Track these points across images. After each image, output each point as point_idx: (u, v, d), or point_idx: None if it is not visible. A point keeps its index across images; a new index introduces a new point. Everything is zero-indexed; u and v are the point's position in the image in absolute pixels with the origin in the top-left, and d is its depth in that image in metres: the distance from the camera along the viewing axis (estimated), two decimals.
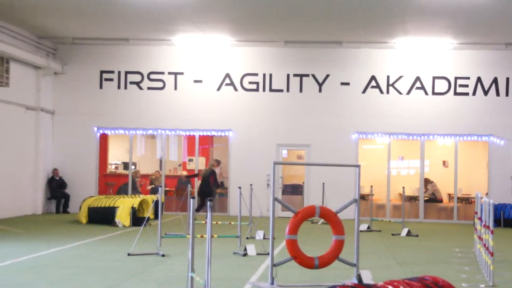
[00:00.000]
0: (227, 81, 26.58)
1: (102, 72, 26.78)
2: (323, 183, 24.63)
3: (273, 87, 26.48)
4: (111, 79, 26.76)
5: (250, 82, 26.55)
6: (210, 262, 8.27)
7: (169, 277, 11.20)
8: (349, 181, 24.30)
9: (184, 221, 18.53)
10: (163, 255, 13.69)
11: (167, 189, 27.20)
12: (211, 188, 22.93)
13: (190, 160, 28.69)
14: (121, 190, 26.39)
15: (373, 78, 26.15)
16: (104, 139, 27.60)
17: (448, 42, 25.18)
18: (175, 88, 26.67)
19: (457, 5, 20.08)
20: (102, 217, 21.02)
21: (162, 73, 26.72)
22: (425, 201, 26.37)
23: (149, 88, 26.72)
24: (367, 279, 10.75)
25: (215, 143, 29.80)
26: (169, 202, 26.20)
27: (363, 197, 25.48)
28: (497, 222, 23.20)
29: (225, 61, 26.65)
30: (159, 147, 27.98)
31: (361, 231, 19.78)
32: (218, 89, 26.59)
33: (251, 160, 25.96)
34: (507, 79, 25.64)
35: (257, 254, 14.09)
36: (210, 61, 26.69)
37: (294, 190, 27.25)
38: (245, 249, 14.24)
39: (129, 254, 13.77)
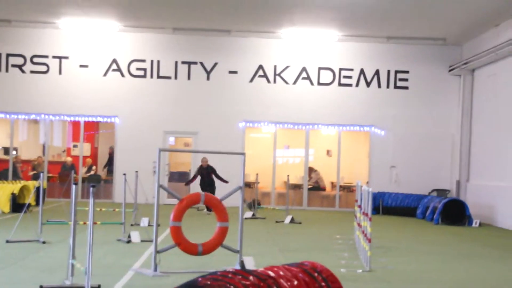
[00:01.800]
0: (114, 66, 26.19)
1: None
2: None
3: (161, 74, 26.31)
4: None
5: (137, 69, 26.27)
6: (91, 249, 8.16)
7: (49, 265, 10.96)
8: (235, 169, 24.50)
9: (67, 208, 18.16)
10: (43, 242, 13.38)
11: (50, 175, 26.55)
12: (213, 184, 22.35)
13: (75, 146, 28.13)
14: (1, 176, 25.52)
15: (260, 67, 26.44)
16: None
17: (333, 34, 25.76)
18: (60, 73, 26.03)
19: None
20: None
21: (46, 56, 26.01)
22: (309, 189, 26.97)
23: (32, 72, 25.94)
24: (249, 265, 10.90)
25: (101, 129, 29.34)
26: (52, 189, 25.58)
27: (248, 184, 25.76)
28: (376, 210, 24.05)
29: (112, 47, 26.24)
30: (43, 133, 27.22)
31: (246, 218, 20.13)
32: (105, 74, 26.16)
33: (138, 147, 25.72)
34: (388, 71, 26.55)
35: (141, 241, 14.00)
36: (96, 46, 26.20)
37: (181, 177, 27.22)
38: (129, 236, 14.13)
39: (7, 241, 13.36)
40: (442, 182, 26.24)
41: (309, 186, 27.08)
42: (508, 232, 20.39)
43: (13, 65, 25.87)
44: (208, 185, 22.13)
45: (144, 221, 16.72)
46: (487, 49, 23.22)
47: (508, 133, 22.09)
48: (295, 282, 5.28)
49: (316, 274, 5.55)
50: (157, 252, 10.50)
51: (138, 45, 26.37)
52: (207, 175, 22.26)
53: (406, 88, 26.60)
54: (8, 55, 25.86)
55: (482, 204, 23.43)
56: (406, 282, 10.69)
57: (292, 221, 20.16)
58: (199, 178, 22.32)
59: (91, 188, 8.24)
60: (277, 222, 20.22)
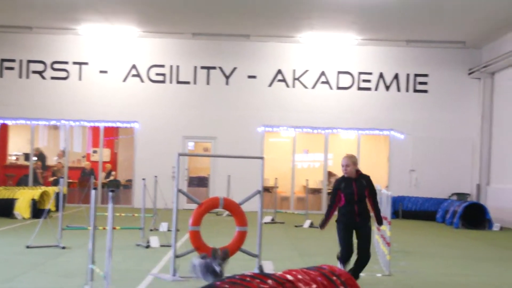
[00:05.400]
0: (134, 72, 26.32)
1: (2, 60, 26.04)
2: (229, 176, 24.75)
3: (180, 79, 26.40)
4: (12, 68, 26.05)
5: (157, 74, 26.37)
6: (111, 254, 8.19)
7: (69, 270, 11.00)
8: (254, 173, 24.35)
9: (86, 213, 18.22)
10: (63, 248, 13.44)
11: (70, 180, 26.70)
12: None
13: (95, 152, 28.26)
14: (22, 182, 25.71)
15: (279, 71, 26.45)
16: (4, 129, 26.84)
17: (352, 38, 25.72)
18: (80, 79, 26.22)
19: (361, 2, 20.57)
20: (0, 209, 20.38)
21: (66, 62, 26.20)
22: (328, 193, 26.88)
23: (52, 78, 26.15)
24: (268, 269, 10.88)
25: (121, 134, 29.45)
26: (72, 194, 25.71)
27: (267, 189, 25.76)
28: (395, 214, 23.93)
29: (132, 52, 26.38)
30: (63, 138, 27.39)
31: (265, 223, 20.11)
32: (124, 80, 26.30)
33: (157, 152, 25.80)
34: (408, 75, 26.45)
35: (161, 246, 14.02)
36: (116, 51, 26.35)
37: (200, 182, 27.27)
38: (148, 241, 14.16)
39: (27, 247, 13.44)
40: (462, 185, 26.05)
41: (329, 191, 27.00)
42: None
43: (33, 71, 26.09)
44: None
45: (163, 226, 16.75)
46: (506, 52, 23.05)
47: None
48: (314, 286, 5.26)
49: (334, 278, 5.52)
50: (176, 256, 10.51)
51: (157, 51, 26.48)
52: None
53: (426, 91, 26.48)
54: (28, 62, 26.09)
55: (503, 208, 23.24)
56: (427, 286, 10.61)
57: (311, 225, 20.12)
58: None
59: (110, 193, 8.26)
60: (296, 226, 20.18)
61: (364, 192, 10.21)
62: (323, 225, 10.44)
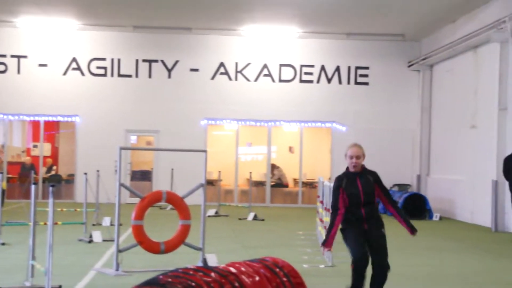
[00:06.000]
0: (74, 65, 25.96)
1: None
2: (172, 169, 24.66)
3: (121, 72, 26.15)
4: None
5: (97, 67, 26.06)
6: (52, 249, 8.09)
7: (9, 266, 10.82)
8: (197, 167, 24.28)
9: (27, 208, 17.91)
10: (3, 244, 13.21)
11: (10, 176, 26.19)
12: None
13: (35, 146, 27.81)
14: None
15: (221, 65, 26.42)
16: None
17: (294, 31, 25.87)
18: (19, 72, 25.73)
19: None
20: None
21: (4, 56, 25.68)
22: (272, 186, 27.04)
23: None
24: (212, 262, 10.90)
25: (62, 128, 29.04)
26: (11, 190, 25.20)
27: (211, 182, 25.74)
28: None
29: (72, 45, 26.00)
30: (1, 133, 26.84)
31: (209, 216, 20.11)
32: (64, 73, 25.91)
33: (99, 146, 25.51)
34: (349, 68, 26.73)
35: (103, 240, 13.90)
36: (55, 44, 25.94)
37: (143, 176, 27.10)
38: (91, 236, 14.03)
39: None
40: (403, 176, 26.50)
41: (272, 183, 27.15)
42: (467, 225, 20.70)
43: None
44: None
45: (106, 221, 16.61)
46: (444, 44, 23.51)
47: (465, 127, 22.38)
48: (257, 278, 5.30)
49: (277, 270, 5.58)
50: (119, 251, 10.44)
51: (98, 44, 26.16)
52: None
53: (367, 84, 26.80)
54: None
55: (442, 198, 23.74)
56: (368, 276, 10.77)
57: (255, 218, 20.20)
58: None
59: (50, 188, 8.15)
60: (240, 219, 20.23)
61: (373, 191, 8.19)
62: (327, 242, 8.14)
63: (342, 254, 12.66)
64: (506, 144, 18.58)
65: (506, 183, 16.88)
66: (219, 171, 23.26)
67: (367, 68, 26.79)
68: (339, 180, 8.28)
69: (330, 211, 8.38)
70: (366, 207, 8.06)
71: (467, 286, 10.44)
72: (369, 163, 26.77)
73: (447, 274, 11.24)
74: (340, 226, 8.16)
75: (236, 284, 4.99)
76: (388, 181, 25.64)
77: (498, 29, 19.05)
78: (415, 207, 21.96)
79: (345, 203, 8.08)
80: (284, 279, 5.48)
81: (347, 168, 8.40)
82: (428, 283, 10.51)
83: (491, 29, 19.47)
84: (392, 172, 26.36)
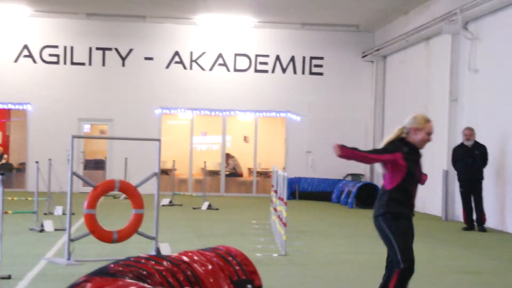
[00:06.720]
0: (25, 52, 25.54)
1: None
2: (126, 158, 24.46)
3: (74, 60, 25.82)
4: None
5: (50, 55, 25.69)
6: (1, 239, 7.98)
7: None
8: (151, 156, 24.18)
9: None
10: None
11: None
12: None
13: None
14: None
15: (176, 53, 26.28)
16: None
17: (249, 20, 25.85)
18: None
19: None
20: None
21: None
22: (226, 175, 27.05)
23: None
24: (165, 251, 10.88)
25: (13, 117, 28.58)
26: None
27: (165, 171, 25.64)
28: (292, 195, 24.34)
29: (23, 32, 25.56)
30: None
31: (163, 205, 20.05)
32: (16, 60, 25.49)
33: (51, 134, 25.17)
34: (304, 58, 26.82)
35: (55, 230, 13.75)
36: (6, 31, 25.48)
37: (97, 165, 26.87)
38: (42, 225, 13.87)
39: None
40: (356, 166, 26.71)
41: (227, 173, 27.16)
42: (419, 214, 20.94)
43: None
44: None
45: (58, 210, 16.40)
46: (397, 36, 23.76)
47: None
48: (210, 267, 5.31)
49: (230, 258, 5.59)
50: (71, 240, 10.35)
51: (51, 31, 25.78)
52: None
53: (321, 74, 26.95)
54: None
55: None
56: (320, 264, 10.90)
57: (209, 207, 20.20)
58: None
59: (0, 177, 8.04)
60: (194, 208, 20.21)
61: (421, 174, 7.07)
62: (346, 148, 7.20)
63: (296, 243, 12.77)
64: (457, 134, 18.88)
65: (455, 173, 17.20)
66: (174, 160, 23.18)
67: (321, 58, 26.93)
68: (398, 146, 6.90)
69: (370, 153, 7.21)
70: (416, 190, 6.92)
71: (418, 273, 10.60)
72: (323, 153, 26.89)
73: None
74: (388, 207, 6.76)
75: (189, 272, 4.99)
76: (341, 171, 25.96)
77: (449, 21, 19.31)
78: (368, 197, 22.19)
79: (394, 175, 6.73)
80: (237, 267, 5.51)
81: (403, 140, 7.08)
82: (379, 271, 10.65)
83: (442, 21, 19.72)
84: (346, 162, 26.41)
